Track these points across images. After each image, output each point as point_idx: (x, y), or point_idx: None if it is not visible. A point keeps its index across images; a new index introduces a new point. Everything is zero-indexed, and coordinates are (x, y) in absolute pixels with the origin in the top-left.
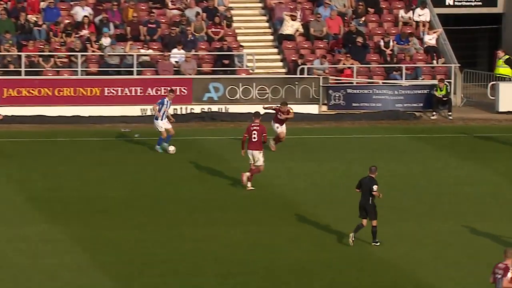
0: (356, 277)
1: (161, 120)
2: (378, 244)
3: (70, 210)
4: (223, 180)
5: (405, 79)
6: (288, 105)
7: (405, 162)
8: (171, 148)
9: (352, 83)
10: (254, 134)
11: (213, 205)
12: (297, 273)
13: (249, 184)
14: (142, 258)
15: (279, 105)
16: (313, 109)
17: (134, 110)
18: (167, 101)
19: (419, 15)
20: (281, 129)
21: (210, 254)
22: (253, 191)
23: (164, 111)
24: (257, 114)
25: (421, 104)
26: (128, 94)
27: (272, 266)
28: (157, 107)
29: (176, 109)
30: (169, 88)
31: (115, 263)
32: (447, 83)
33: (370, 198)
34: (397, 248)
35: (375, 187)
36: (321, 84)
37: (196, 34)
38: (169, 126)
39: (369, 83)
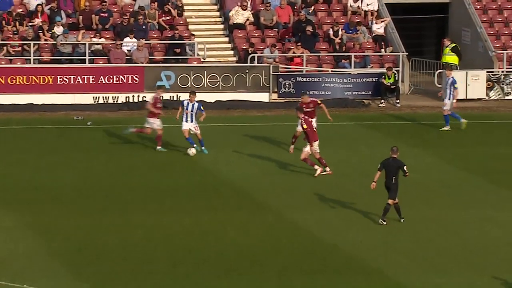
0: (307, 262)
1: (185, 121)
2: (403, 220)
3: (22, 197)
4: (175, 167)
5: (354, 68)
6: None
7: (354, 149)
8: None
9: (302, 71)
10: (314, 124)
11: (165, 193)
12: (248, 260)
13: (324, 169)
14: (93, 246)
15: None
16: (263, 97)
17: (86, 98)
18: (187, 103)
19: (367, 5)
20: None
21: (162, 242)
22: (204, 179)
23: (187, 114)
24: (300, 108)
25: (370, 92)
26: (81, 82)
27: (223, 253)
28: (180, 109)
29: (128, 97)
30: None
31: (67, 250)
32: (395, 71)
33: (394, 177)
34: (347, 234)
35: (405, 168)
36: (271, 73)
37: (149, 22)
38: (188, 128)
39: (318, 71)
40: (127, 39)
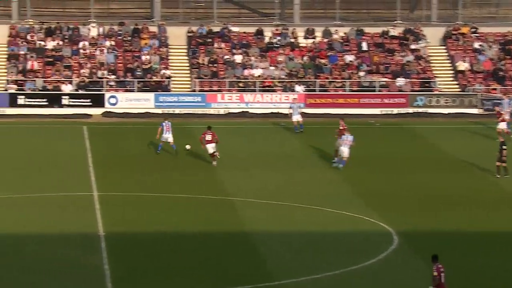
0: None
1: (294, 115)
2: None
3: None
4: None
5: None
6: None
7: None
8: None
9: (496, 96)
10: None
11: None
12: None
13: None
14: (378, 190)
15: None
16: (474, 110)
17: (376, 111)
18: (291, 105)
19: None
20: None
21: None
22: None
23: (294, 110)
24: None
25: None
26: (373, 102)
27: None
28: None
29: (399, 110)
30: None
31: (361, 192)
32: None
33: None
34: None
35: None
36: (479, 97)
37: (410, 70)
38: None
39: (506, 95)
40: (399, 79)
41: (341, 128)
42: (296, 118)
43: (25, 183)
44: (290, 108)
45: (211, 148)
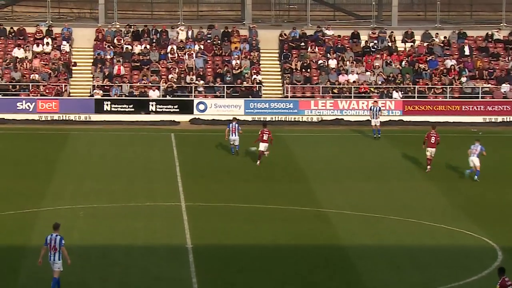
0: None
1: (373, 118)
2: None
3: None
4: None
5: None
6: None
7: None
8: None
9: None
10: None
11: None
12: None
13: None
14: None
15: None
16: None
17: (479, 119)
18: (372, 107)
19: None
20: None
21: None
22: None
23: (372, 114)
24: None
25: None
26: (476, 109)
27: None
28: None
29: (503, 118)
30: None
31: (462, 204)
32: None
33: None
34: None
35: None
36: None
37: None
38: (374, 124)
39: None
40: (503, 85)
41: (427, 135)
42: (375, 122)
43: (111, 192)
44: (370, 110)
45: (263, 146)
